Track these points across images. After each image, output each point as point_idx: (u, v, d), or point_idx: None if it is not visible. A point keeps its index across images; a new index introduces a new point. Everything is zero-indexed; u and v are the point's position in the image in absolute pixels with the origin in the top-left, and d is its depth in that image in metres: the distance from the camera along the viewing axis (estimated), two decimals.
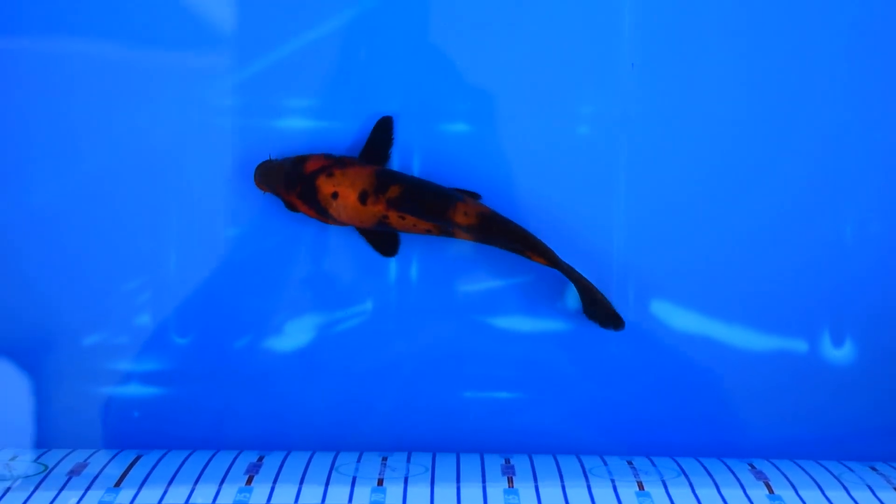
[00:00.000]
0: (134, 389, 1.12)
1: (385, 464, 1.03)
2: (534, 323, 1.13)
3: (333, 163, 1.04)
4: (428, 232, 1.05)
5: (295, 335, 1.12)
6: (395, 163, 1.10)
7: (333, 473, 0.99)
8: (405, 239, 1.11)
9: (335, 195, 1.03)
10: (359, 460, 1.04)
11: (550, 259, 1.05)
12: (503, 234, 1.05)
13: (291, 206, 1.06)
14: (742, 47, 1.11)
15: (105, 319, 1.11)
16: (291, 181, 1.04)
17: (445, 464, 1.03)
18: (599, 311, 1.07)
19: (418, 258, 1.11)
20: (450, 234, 1.05)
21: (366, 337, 1.12)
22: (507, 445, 1.12)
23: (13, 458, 1.05)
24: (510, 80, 1.10)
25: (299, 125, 1.10)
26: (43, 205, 1.10)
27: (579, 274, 1.06)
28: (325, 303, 1.12)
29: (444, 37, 1.10)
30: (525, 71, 1.10)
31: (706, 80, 1.11)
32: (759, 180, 1.12)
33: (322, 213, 1.05)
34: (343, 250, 1.11)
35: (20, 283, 1.11)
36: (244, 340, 1.12)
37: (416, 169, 1.10)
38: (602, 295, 1.07)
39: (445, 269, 1.12)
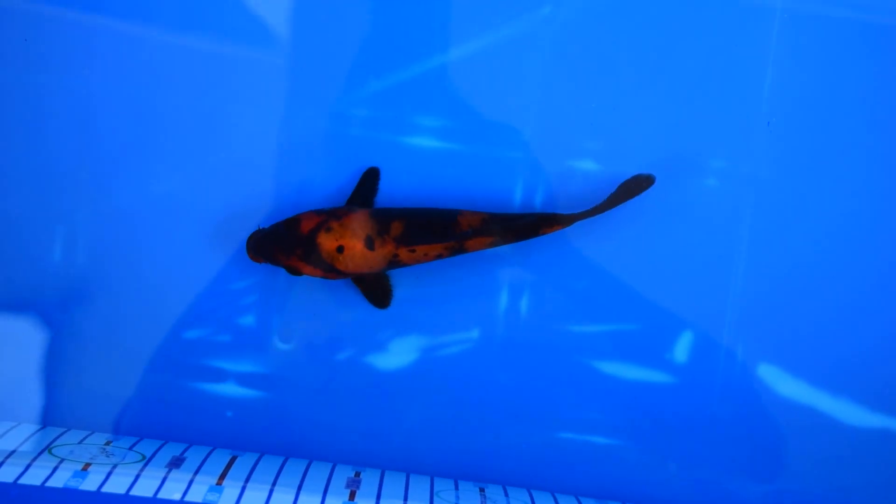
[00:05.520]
0: (230, 389, 1.10)
1: (484, 495, 1.01)
2: (639, 372, 1.11)
3: (327, 217, 1.02)
4: (439, 256, 1.04)
5: (398, 354, 1.10)
6: (519, 190, 1.09)
7: (435, 499, 0.97)
8: (518, 271, 1.09)
9: (340, 249, 1.01)
10: (456, 487, 1.03)
11: (565, 221, 1.04)
12: (511, 221, 1.04)
13: (294, 271, 1.03)
14: (881, 121, 1.09)
15: (209, 316, 1.10)
16: (289, 245, 1.02)
17: (544, 503, 1.01)
18: (638, 188, 1.06)
19: (530, 291, 1.10)
20: (462, 251, 1.04)
21: (468, 365, 1.11)
22: (601, 491, 1.10)
23: (108, 444, 1.03)
24: (643, 122, 1.10)
25: (426, 144, 1.10)
26: (162, 195, 1.10)
27: (597, 207, 1.05)
28: (431, 325, 1.11)
29: (582, 74, 1.09)
30: (660, 116, 1.10)
31: (841, 149, 1.10)
32: (886, 258, 1.10)
33: (328, 270, 1.02)
34: (455, 273, 1.10)
35: (130, 271, 1.10)
36: (346, 353, 1.10)
37: (538, 200, 1.09)
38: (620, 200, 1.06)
39: (556, 306, 1.10)
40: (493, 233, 1.03)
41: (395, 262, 1.03)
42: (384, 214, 1.03)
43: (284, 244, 1.02)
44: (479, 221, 1.03)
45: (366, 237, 1.01)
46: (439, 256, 1.04)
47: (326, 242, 1.01)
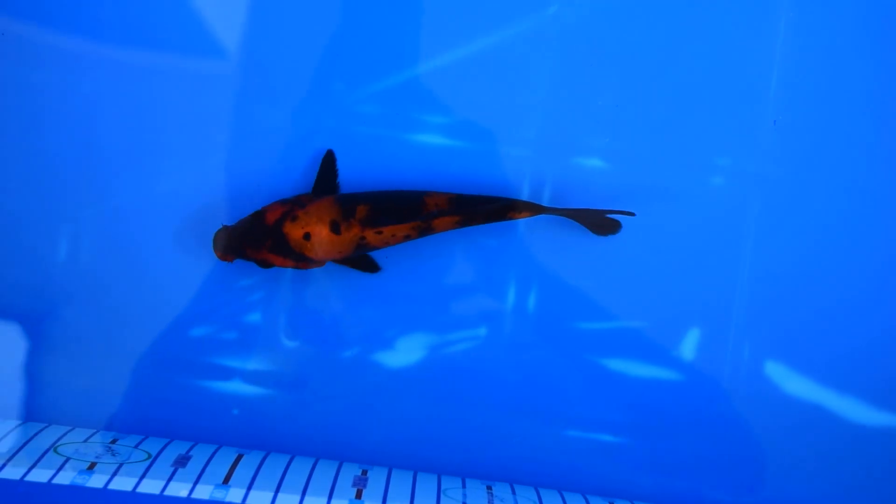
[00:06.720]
0: (236, 387, 1.10)
1: (491, 493, 1.01)
2: (647, 369, 1.11)
3: (291, 205, 1.02)
4: (407, 238, 1.03)
5: (405, 352, 1.10)
6: (526, 187, 1.09)
7: (442, 497, 0.97)
8: (525, 267, 1.09)
9: (307, 236, 1.00)
10: (464, 486, 1.02)
11: (533, 209, 1.04)
12: (478, 204, 1.03)
13: (265, 264, 1.02)
14: (887, 119, 1.09)
15: (215, 313, 1.10)
16: (257, 239, 1.01)
17: (551, 501, 1.01)
18: (604, 228, 1.06)
19: (537, 288, 1.10)
20: (429, 232, 1.03)
21: (476, 362, 1.10)
22: (608, 489, 1.10)
23: (113, 442, 1.03)
24: (651, 120, 1.09)
25: (433, 142, 1.09)
26: (166, 193, 1.09)
27: (568, 209, 1.05)
28: (438, 323, 1.10)
29: (589, 73, 1.09)
30: (667, 114, 1.09)
31: (847, 146, 1.10)
32: (893, 255, 1.10)
33: (299, 259, 1.02)
34: (463, 270, 1.10)
35: (135, 269, 1.09)
36: (353, 351, 1.10)
37: (545, 197, 1.09)
38: (597, 213, 1.06)
39: (563, 303, 1.10)
40: (460, 213, 1.02)
41: (363, 246, 1.02)
42: (349, 199, 1.02)
43: (252, 238, 1.01)
44: (445, 202, 1.02)
45: (331, 222, 1.00)
46: (407, 238, 1.03)
47: (293, 231, 1.00)
